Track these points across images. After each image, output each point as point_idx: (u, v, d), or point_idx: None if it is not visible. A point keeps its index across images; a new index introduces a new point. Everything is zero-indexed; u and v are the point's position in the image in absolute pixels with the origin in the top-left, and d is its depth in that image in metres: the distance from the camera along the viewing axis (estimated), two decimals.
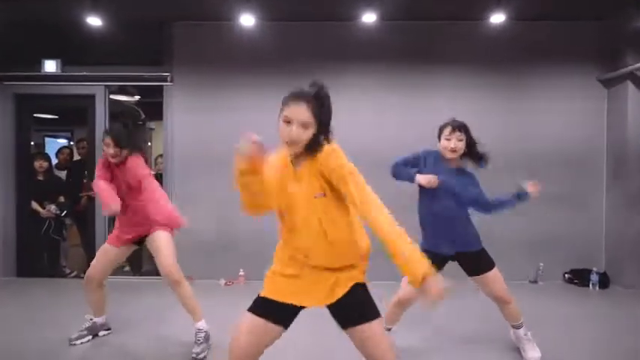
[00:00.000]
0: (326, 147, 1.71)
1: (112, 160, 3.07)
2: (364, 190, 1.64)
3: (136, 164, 3.06)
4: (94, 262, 3.22)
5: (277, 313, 1.76)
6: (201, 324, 3.10)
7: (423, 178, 2.77)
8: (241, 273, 5.11)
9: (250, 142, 1.65)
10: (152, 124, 9.53)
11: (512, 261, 5.09)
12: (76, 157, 6.23)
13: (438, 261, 2.57)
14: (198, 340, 3.03)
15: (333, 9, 4.70)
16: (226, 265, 5.14)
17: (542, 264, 5.17)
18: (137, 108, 8.42)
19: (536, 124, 5.27)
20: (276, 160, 1.83)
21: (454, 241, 2.88)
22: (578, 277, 5.09)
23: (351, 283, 1.75)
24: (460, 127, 2.87)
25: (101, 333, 3.39)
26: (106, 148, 3.04)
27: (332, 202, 1.71)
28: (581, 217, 5.25)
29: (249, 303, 1.84)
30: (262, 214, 1.89)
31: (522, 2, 4.36)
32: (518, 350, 3.11)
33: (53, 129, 9.21)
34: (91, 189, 5.41)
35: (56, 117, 8.42)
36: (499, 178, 5.09)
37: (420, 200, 2.91)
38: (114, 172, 3.12)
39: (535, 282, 5.18)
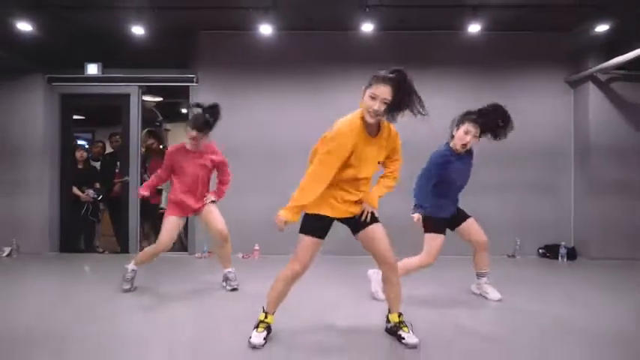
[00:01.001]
0: (393, 128, 2.64)
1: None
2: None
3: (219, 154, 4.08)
4: (165, 235, 3.80)
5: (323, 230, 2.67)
6: (231, 268, 3.99)
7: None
8: (256, 247, 5.86)
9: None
10: (168, 126, 10.33)
11: (494, 238, 5.78)
12: (108, 149, 7.00)
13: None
14: (234, 277, 4.01)
15: (338, 19, 5.51)
16: (243, 241, 5.89)
17: (519, 240, 5.93)
18: (155, 110, 9.23)
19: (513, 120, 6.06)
20: (350, 127, 2.47)
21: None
22: (550, 252, 5.86)
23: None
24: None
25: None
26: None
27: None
28: (552, 199, 6.03)
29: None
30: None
31: (498, 15, 5.15)
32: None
33: (77, 130, 9.98)
34: (122, 177, 6.23)
35: (82, 118, 9.20)
36: (482, 167, 5.94)
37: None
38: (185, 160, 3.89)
39: (513, 256, 5.93)
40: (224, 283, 4.11)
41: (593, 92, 5.73)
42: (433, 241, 3.55)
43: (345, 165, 2.51)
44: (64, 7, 5.01)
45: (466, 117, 3.50)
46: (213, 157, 4.00)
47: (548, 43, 5.96)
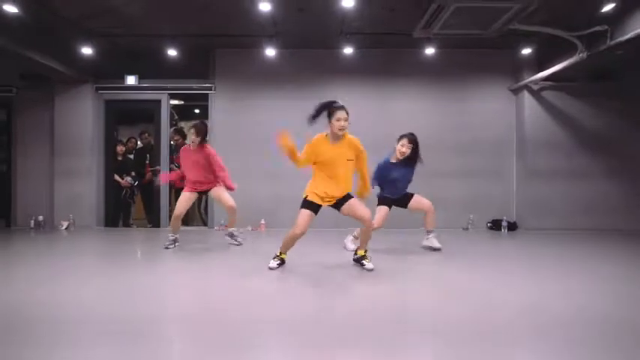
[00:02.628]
0: (350, 136, 4.02)
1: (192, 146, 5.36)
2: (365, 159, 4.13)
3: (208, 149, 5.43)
4: (179, 205, 5.41)
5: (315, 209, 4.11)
6: (235, 229, 5.64)
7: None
8: (262, 222, 7.38)
9: (281, 143, 3.85)
10: (183, 124, 11.82)
11: (452, 214, 7.43)
12: (139, 145, 8.49)
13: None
14: (239, 233, 5.56)
15: (325, 42, 7.02)
16: (252, 217, 7.40)
17: (472, 216, 7.46)
18: (172, 110, 10.69)
19: (466, 121, 7.58)
20: (317, 139, 3.98)
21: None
22: (496, 225, 7.38)
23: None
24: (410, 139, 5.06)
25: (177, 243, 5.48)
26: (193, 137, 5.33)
27: (351, 164, 4.02)
28: (499, 182, 7.57)
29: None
30: (306, 167, 4.07)
31: (448, 38, 6.65)
32: None
33: None
34: (154, 166, 7.73)
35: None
36: (443, 157, 7.45)
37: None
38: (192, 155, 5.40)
39: (466, 229, 7.45)
40: (229, 238, 5.73)
41: (527, 98, 7.27)
42: (380, 210, 5.14)
43: (321, 165, 3.98)
44: (115, 35, 6.53)
45: (403, 136, 5.12)
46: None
47: (493, 59, 7.48)
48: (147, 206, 8.10)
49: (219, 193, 5.57)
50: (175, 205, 7.93)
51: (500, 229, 7.24)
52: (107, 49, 7.02)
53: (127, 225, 7.86)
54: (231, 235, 5.77)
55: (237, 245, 5.66)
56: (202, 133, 5.39)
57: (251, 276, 3.95)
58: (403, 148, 5.05)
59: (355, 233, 5.24)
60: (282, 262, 4.26)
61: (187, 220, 7.94)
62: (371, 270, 4.13)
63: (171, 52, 6.78)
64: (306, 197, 4.09)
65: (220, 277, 4.07)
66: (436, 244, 5.30)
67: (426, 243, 5.42)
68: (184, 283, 3.91)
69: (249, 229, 7.33)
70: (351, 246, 5.20)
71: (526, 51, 6.65)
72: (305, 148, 3.98)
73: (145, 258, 5.10)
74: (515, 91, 7.51)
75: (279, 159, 7.52)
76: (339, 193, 4.07)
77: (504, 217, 7.29)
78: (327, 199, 4.08)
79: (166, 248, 5.38)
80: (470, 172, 7.55)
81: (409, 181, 5.26)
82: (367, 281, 3.81)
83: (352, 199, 4.13)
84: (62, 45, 6.52)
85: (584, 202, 7.27)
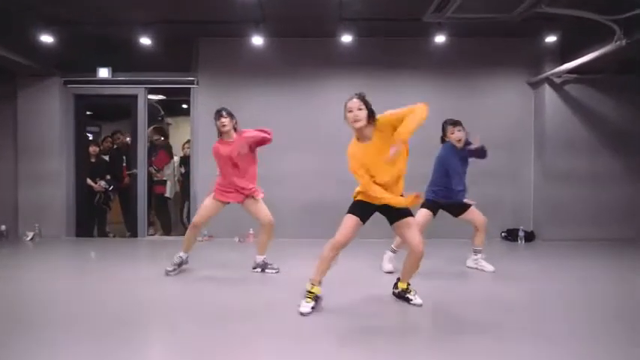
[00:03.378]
0: (378, 119, 3.10)
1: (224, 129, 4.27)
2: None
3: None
4: (201, 211, 4.39)
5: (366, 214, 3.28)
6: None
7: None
8: (251, 232, 6.61)
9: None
10: (170, 120, 11.03)
11: (460, 223, 6.63)
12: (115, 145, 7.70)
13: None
14: (270, 265, 4.51)
15: (321, 29, 6.21)
16: (239, 226, 6.63)
17: None
18: (157, 105, 9.92)
19: (481, 116, 6.76)
20: (349, 147, 3.17)
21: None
22: (511, 234, 6.62)
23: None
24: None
25: (184, 266, 4.46)
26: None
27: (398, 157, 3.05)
28: (514, 186, 6.79)
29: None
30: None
31: (463, 24, 5.84)
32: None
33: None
34: (131, 169, 6.96)
35: (90, 113, 9.89)
36: None
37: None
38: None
39: None
40: (259, 270, 4.49)
41: (548, 93, 6.47)
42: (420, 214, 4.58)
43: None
44: (80, 22, 5.71)
45: (449, 123, 4.64)
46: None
47: (510, 49, 6.67)
48: (125, 212, 7.33)
49: (255, 206, 4.36)
50: (157, 211, 7.34)
51: (517, 240, 6.48)
52: (74, 38, 6.21)
53: (102, 234, 7.09)
54: (264, 266, 4.51)
55: (276, 272, 4.50)
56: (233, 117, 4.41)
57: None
58: (460, 134, 4.43)
59: (394, 245, 4.54)
60: (317, 299, 3.29)
61: (169, 227, 7.19)
62: (420, 305, 3.41)
63: (145, 41, 5.97)
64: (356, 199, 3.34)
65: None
66: (488, 266, 4.60)
67: (471, 264, 4.72)
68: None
69: (237, 240, 6.59)
70: (388, 266, 4.49)
71: (550, 39, 5.83)
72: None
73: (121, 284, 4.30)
74: (535, 85, 6.71)
75: (269, 161, 6.81)
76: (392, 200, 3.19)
77: (521, 227, 6.52)
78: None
79: (167, 274, 4.29)
80: (482, 174, 6.70)
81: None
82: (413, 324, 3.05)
83: (410, 217, 3.28)
84: (20, 34, 5.71)
85: (611, 208, 6.49)
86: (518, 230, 6.52)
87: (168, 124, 11.30)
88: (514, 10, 4.29)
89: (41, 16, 5.48)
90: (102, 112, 9.52)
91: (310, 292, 3.27)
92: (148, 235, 6.97)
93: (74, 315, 3.18)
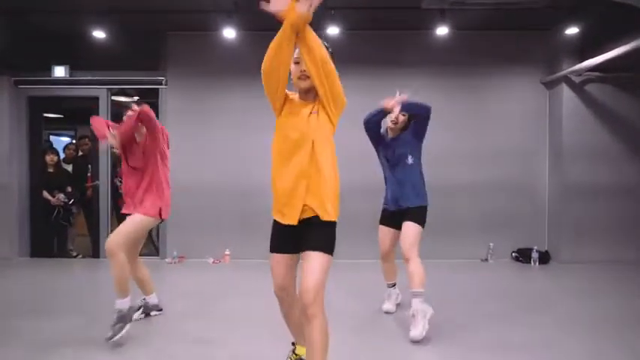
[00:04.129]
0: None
1: None
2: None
3: None
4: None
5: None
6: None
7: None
8: (227, 252, 5.81)
9: None
10: None
11: (467, 242, 5.86)
12: (81, 152, 6.93)
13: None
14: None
15: None
16: (213, 245, 5.83)
17: (492, 244, 5.87)
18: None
19: (487, 122, 5.97)
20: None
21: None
22: (523, 255, 5.80)
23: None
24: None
25: (153, 313, 3.53)
26: None
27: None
28: (526, 201, 5.97)
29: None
30: (273, 78, 2.17)
31: (469, 15, 5.04)
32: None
33: (58, 127, 9.91)
34: (95, 181, 6.18)
35: (61, 116, 9.12)
36: (455, 168, 5.91)
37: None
38: None
39: (486, 260, 5.88)
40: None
41: (566, 93, 5.64)
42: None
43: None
44: (28, 10, 4.93)
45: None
46: None
47: (523, 43, 5.85)
48: (91, 226, 6.52)
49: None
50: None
51: (530, 262, 5.67)
52: (24, 32, 5.43)
53: (64, 253, 6.29)
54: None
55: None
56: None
57: None
58: (392, 115, 3.35)
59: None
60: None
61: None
62: None
63: (105, 35, 5.19)
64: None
65: None
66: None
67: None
68: None
69: (210, 260, 5.80)
70: (388, 306, 3.68)
71: (571, 31, 4.99)
72: None
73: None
74: (550, 85, 5.88)
75: (247, 172, 6.01)
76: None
77: (535, 247, 5.70)
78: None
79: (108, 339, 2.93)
80: (490, 187, 5.94)
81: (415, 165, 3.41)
82: None
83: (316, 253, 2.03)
84: None
85: (638, 226, 5.66)
86: (531, 250, 5.71)
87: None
88: None
89: None
90: (76, 113, 8.80)
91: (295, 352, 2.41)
92: None
93: None
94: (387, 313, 3.63)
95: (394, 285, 3.73)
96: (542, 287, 4.79)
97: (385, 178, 3.59)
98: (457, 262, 5.63)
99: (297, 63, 2.12)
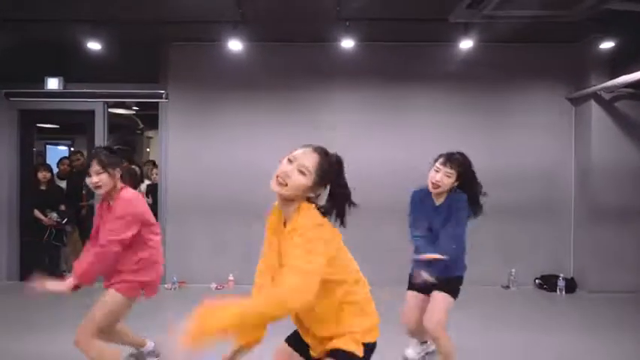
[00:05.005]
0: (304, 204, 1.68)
1: None
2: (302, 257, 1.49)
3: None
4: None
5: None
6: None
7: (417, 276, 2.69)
8: (230, 278, 5.44)
9: None
10: (150, 133, 9.90)
11: (487, 267, 5.47)
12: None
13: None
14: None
15: (315, 32, 5.05)
16: (216, 270, 5.47)
17: (514, 270, 5.49)
18: (136, 118, 8.79)
19: (509, 139, 5.61)
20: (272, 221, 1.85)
21: None
22: (548, 283, 5.42)
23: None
24: (452, 161, 2.76)
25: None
26: None
27: None
28: (551, 226, 5.59)
29: None
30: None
31: (493, 27, 4.68)
32: None
33: (55, 137, 9.56)
34: (89, 199, 5.81)
35: (57, 126, 8.77)
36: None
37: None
38: None
39: (508, 287, 5.50)
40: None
41: (595, 110, 5.26)
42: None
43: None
44: (19, 20, 4.58)
45: (440, 156, 2.89)
46: None
47: (547, 57, 5.49)
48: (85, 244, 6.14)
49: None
50: None
51: (556, 290, 5.29)
52: (15, 41, 5.06)
53: (56, 275, 5.89)
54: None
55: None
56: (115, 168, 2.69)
57: None
58: (438, 175, 2.76)
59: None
60: None
61: None
62: None
63: (95, 46, 4.81)
64: None
65: None
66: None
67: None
68: None
69: (213, 286, 5.42)
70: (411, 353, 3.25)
71: (606, 45, 4.62)
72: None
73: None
74: (577, 101, 5.51)
75: (252, 190, 5.63)
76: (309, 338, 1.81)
77: (561, 275, 5.32)
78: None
79: None
80: (512, 209, 5.55)
81: (450, 246, 2.72)
82: None
83: None
84: None
85: None
86: (556, 278, 5.33)
87: (150, 138, 10.20)
88: (577, 5, 3.10)
89: None
90: (72, 124, 8.45)
91: None
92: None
93: None
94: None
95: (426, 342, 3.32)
96: (569, 317, 4.43)
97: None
98: (477, 289, 5.23)
99: (290, 162, 1.70)
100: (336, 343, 1.69)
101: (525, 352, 3.32)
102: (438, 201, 2.86)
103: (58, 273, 5.89)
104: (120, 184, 2.70)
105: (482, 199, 2.98)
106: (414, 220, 2.91)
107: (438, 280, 2.67)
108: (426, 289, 2.83)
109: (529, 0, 3.04)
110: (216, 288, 5.42)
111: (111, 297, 2.65)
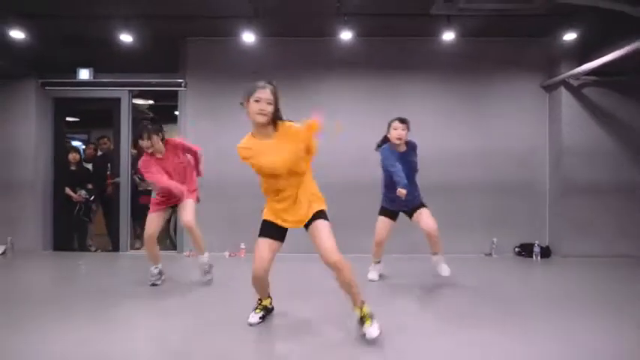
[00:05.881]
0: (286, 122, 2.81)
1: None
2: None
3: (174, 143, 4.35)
4: (148, 225, 4.24)
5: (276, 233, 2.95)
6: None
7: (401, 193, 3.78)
8: (242, 246, 6.08)
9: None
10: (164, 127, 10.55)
11: (471, 237, 6.13)
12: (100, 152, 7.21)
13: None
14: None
15: (318, 27, 5.73)
16: (230, 240, 6.11)
17: (495, 239, 6.15)
18: (148, 111, 9.45)
19: (491, 124, 6.27)
20: (246, 144, 2.90)
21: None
22: (525, 250, 6.07)
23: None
24: (404, 121, 4.08)
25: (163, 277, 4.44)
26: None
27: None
28: (528, 199, 6.25)
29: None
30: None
31: (472, 22, 5.36)
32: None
33: (73, 131, 10.19)
34: (114, 178, 6.46)
35: (77, 120, 9.41)
36: (461, 169, 6.20)
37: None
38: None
39: (490, 255, 6.15)
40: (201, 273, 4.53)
41: (565, 96, 5.95)
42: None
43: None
44: (55, 16, 5.24)
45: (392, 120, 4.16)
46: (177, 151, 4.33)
47: (524, 49, 6.17)
48: (109, 223, 6.80)
49: (183, 204, 4.27)
50: (142, 223, 6.77)
51: (532, 256, 5.94)
52: (51, 36, 5.74)
53: (83, 247, 6.57)
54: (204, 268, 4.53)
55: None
56: (159, 133, 4.26)
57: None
58: (398, 132, 4.05)
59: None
60: (267, 311, 3.32)
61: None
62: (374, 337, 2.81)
63: (128, 39, 5.49)
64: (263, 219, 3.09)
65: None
66: (445, 270, 4.31)
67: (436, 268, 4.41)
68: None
69: (227, 254, 6.06)
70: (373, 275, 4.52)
71: (569, 37, 5.32)
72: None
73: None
74: (549, 88, 6.20)
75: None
76: (292, 217, 2.93)
77: (536, 242, 5.98)
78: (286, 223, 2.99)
79: (153, 285, 4.30)
80: (494, 185, 6.23)
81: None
82: None
83: (319, 220, 2.90)
84: None
85: (635, 223, 5.94)
86: (532, 245, 5.98)
87: (158, 127, 10.80)
88: None
89: (10, 9, 5.00)
90: (90, 117, 9.09)
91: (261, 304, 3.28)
92: (133, 248, 6.45)
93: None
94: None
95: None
96: (543, 280, 5.05)
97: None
98: (463, 257, 5.88)
99: (257, 101, 2.80)
100: (316, 207, 2.89)
101: (506, 307, 3.64)
102: (401, 150, 4.11)
103: (84, 245, 6.57)
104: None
105: None
106: (397, 165, 3.90)
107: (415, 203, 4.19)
108: (395, 215, 4.31)
109: None
110: (229, 256, 6.05)
111: (191, 203, 4.26)
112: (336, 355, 2.73)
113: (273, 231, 2.95)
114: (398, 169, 3.81)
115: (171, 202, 4.30)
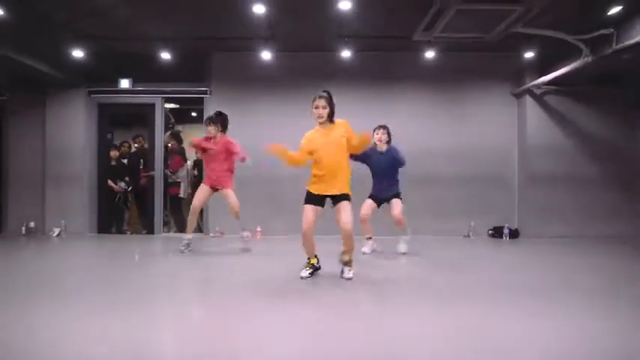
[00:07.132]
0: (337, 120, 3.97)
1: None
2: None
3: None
4: (196, 197, 5.52)
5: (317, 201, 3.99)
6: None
7: None
8: (258, 229, 7.19)
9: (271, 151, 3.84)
10: (180, 127, 11.66)
11: (451, 221, 7.25)
12: (133, 149, 8.31)
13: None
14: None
15: (322, 44, 6.86)
16: (247, 224, 7.19)
17: (472, 223, 7.27)
18: (169, 114, 10.56)
19: (469, 125, 7.41)
20: (309, 135, 4.00)
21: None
22: (498, 232, 7.20)
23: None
24: (384, 127, 5.37)
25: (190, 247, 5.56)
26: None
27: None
28: (500, 189, 7.39)
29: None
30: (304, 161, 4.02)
31: (450, 42, 6.47)
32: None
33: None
34: (148, 172, 7.57)
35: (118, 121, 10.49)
36: (445, 165, 7.30)
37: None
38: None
39: (468, 236, 7.27)
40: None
41: (530, 103, 7.10)
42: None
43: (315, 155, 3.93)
44: (107, 37, 6.37)
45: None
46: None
47: (495, 63, 7.31)
48: (141, 212, 7.93)
49: (228, 193, 5.56)
50: (172, 210, 7.93)
51: (502, 237, 7.07)
52: (99, 52, 6.85)
53: (120, 231, 7.69)
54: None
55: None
56: (218, 125, 5.62)
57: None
58: (378, 135, 5.28)
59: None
60: (315, 268, 4.17)
61: (183, 225, 7.77)
62: (349, 279, 3.96)
63: (165, 56, 6.62)
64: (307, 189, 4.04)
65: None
66: (403, 247, 5.38)
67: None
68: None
69: (245, 235, 7.14)
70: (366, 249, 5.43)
71: (529, 54, 6.49)
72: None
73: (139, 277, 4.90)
74: (518, 96, 7.34)
75: (274, 164, 7.36)
76: (332, 187, 3.93)
77: (506, 225, 7.11)
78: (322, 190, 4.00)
79: (181, 252, 5.43)
80: (471, 178, 7.37)
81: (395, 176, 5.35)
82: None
83: (344, 202, 3.94)
84: (52, 48, 6.36)
85: (587, 208, 7.09)
86: (503, 228, 7.10)
87: (179, 131, 11.96)
88: (493, 30, 4.91)
89: (72, 31, 6.11)
90: (116, 120, 10.19)
91: (308, 262, 4.14)
92: (162, 232, 7.57)
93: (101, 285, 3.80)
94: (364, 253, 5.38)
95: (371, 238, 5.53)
96: (509, 256, 5.90)
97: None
98: (444, 238, 7.00)
99: (316, 108, 3.90)
100: (345, 190, 3.96)
101: (478, 279, 4.18)
102: (382, 149, 5.32)
103: (121, 230, 7.69)
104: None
105: None
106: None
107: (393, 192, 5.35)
108: (377, 200, 5.39)
109: (462, 26, 4.80)
110: (246, 237, 7.14)
111: (231, 192, 5.56)
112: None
113: (316, 199, 3.96)
114: (362, 159, 5.09)
115: (216, 185, 5.55)
